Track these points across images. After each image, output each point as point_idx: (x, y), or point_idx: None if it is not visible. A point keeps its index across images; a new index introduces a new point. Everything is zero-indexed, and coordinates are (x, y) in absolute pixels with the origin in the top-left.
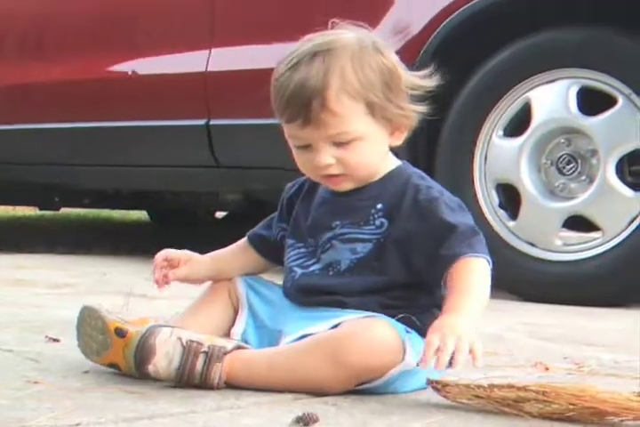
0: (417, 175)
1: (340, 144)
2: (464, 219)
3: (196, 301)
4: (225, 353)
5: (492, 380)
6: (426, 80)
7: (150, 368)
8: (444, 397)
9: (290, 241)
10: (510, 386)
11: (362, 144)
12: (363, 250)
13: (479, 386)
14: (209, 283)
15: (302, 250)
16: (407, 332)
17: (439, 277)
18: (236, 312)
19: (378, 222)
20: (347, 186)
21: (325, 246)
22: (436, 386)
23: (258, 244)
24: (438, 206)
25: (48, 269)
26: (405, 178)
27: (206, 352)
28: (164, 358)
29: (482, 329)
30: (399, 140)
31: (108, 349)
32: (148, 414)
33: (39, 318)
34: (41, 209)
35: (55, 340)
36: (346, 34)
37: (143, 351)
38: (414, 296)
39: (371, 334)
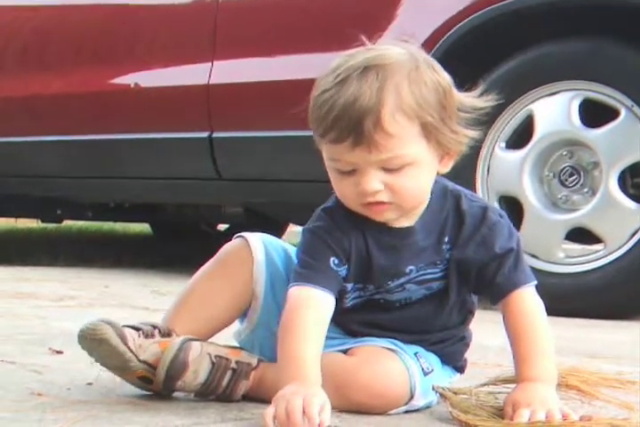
0: (463, 194)
1: (389, 169)
2: (516, 240)
3: (187, 296)
4: (252, 370)
5: (496, 393)
6: (479, 101)
7: (179, 384)
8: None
9: (349, 286)
10: None
11: (413, 170)
12: (438, 286)
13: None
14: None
15: (360, 293)
16: (425, 373)
17: (491, 302)
18: (247, 296)
19: (447, 255)
20: (390, 216)
21: (395, 290)
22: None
23: (332, 287)
24: (498, 233)
25: (51, 282)
26: (454, 199)
27: (234, 369)
28: (192, 374)
29: (485, 342)
30: (447, 167)
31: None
32: (153, 426)
33: (42, 331)
34: (43, 222)
35: (59, 352)
36: (395, 49)
37: (176, 368)
38: (462, 323)
39: (380, 373)
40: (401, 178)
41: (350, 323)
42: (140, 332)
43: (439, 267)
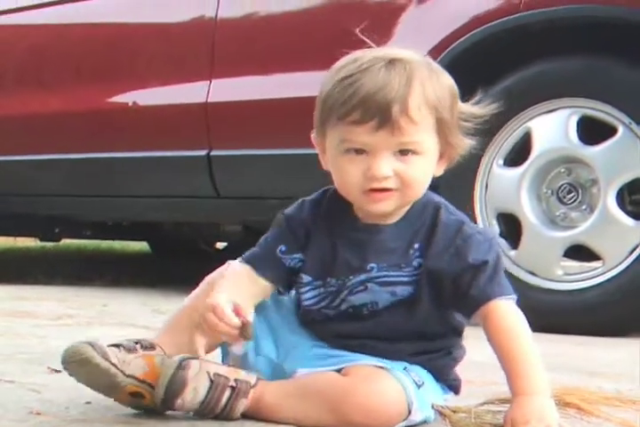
0: (444, 207)
1: (401, 156)
2: (493, 253)
3: (177, 315)
4: (251, 388)
5: (494, 410)
6: (477, 108)
7: (178, 402)
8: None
9: (306, 278)
10: None
11: (421, 160)
12: (403, 293)
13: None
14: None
15: (321, 290)
16: (418, 386)
17: (469, 315)
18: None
19: (416, 263)
20: (388, 206)
21: (356, 289)
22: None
23: (268, 273)
24: (472, 245)
25: (49, 301)
26: (433, 210)
27: (233, 387)
28: (191, 392)
29: (482, 359)
30: (440, 169)
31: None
32: None
33: (41, 350)
34: (42, 240)
35: (57, 371)
36: (407, 50)
37: (176, 385)
38: (441, 336)
39: (376, 393)
40: (410, 166)
41: (326, 336)
42: (121, 347)
43: (404, 271)
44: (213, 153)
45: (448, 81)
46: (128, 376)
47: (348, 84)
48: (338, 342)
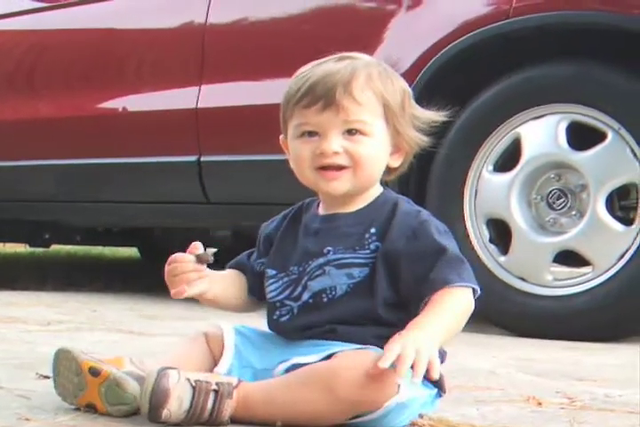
0: (403, 200)
1: (350, 136)
2: (452, 244)
3: (172, 352)
4: (234, 388)
5: (485, 415)
6: (432, 114)
7: (164, 413)
8: None
9: (271, 271)
10: None
11: (370, 141)
12: (360, 274)
13: None
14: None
15: (285, 279)
16: None
17: (422, 299)
18: (215, 360)
19: (373, 246)
20: (341, 185)
21: (315, 273)
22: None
23: (248, 274)
24: (429, 228)
25: (39, 307)
26: (393, 202)
27: (216, 390)
28: (176, 401)
29: (474, 364)
30: (397, 161)
31: (83, 389)
32: None
33: (30, 355)
34: (31, 246)
35: (46, 377)
36: (365, 56)
37: (159, 395)
38: (404, 323)
39: (365, 365)
40: (358, 144)
41: (293, 333)
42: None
43: (359, 253)
44: (203, 159)
45: (400, 82)
46: (86, 354)
47: (300, 77)
48: (304, 334)
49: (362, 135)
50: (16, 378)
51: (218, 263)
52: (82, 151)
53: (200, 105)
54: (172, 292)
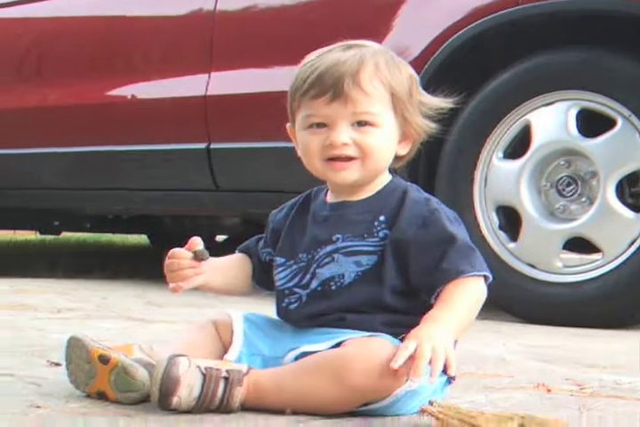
0: (413, 187)
1: (358, 127)
2: (462, 232)
3: (181, 340)
4: (244, 376)
5: (494, 401)
6: (440, 100)
7: (175, 400)
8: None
9: (280, 259)
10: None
11: (378, 132)
12: (368, 262)
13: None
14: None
15: (294, 267)
16: None
17: (435, 289)
18: (225, 347)
19: (382, 234)
20: (350, 176)
21: (324, 260)
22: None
23: (253, 256)
24: (439, 216)
25: (49, 294)
26: (402, 190)
27: (226, 378)
28: (186, 389)
29: (483, 351)
30: (404, 149)
31: (94, 377)
32: None
33: (41, 343)
34: (41, 233)
35: (57, 364)
36: (372, 44)
37: (169, 383)
38: (413, 310)
39: (374, 354)
40: (367, 136)
41: (302, 321)
42: None
43: (368, 241)
44: (213, 146)
45: (406, 69)
46: (95, 342)
47: (308, 66)
48: (313, 322)
49: (370, 126)
50: (27, 365)
51: (230, 250)
52: (91, 139)
53: (209, 92)
54: (170, 286)
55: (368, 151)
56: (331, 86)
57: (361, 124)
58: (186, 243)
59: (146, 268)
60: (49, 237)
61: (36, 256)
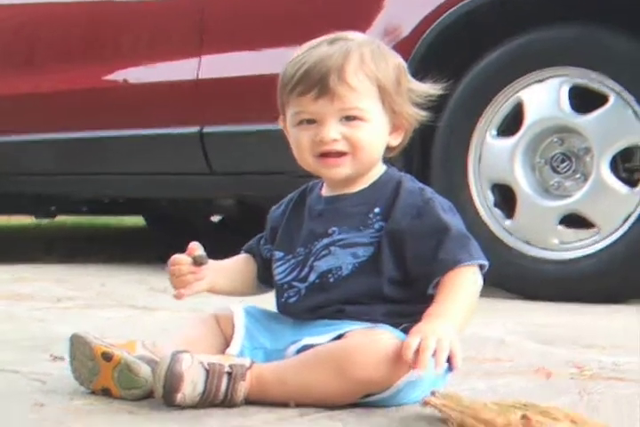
0: (407, 178)
1: (347, 122)
2: (457, 221)
3: (183, 334)
4: (247, 370)
5: (495, 388)
6: (430, 87)
7: (179, 397)
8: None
9: (278, 254)
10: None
11: (367, 126)
12: (365, 253)
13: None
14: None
15: (292, 261)
16: None
17: (433, 280)
18: (226, 341)
19: (377, 226)
20: (343, 170)
21: (321, 253)
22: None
23: (256, 255)
24: (433, 206)
25: (47, 282)
26: (396, 181)
27: (229, 372)
28: (190, 385)
29: (483, 333)
30: (396, 140)
31: (97, 374)
32: None
33: (43, 335)
34: (37, 218)
35: (60, 358)
36: (359, 34)
37: (173, 379)
38: (412, 300)
39: (376, 345)
40: (357, 130)
41: (301, 314)
42: None
43: (364, 233)
44: (205, 129)
45: (393, 58)
46: (98, 339)
47: (295, 62)
48: (313, 314)
49: (359, 121)
50: (30, 360)
51: (226, 230)
52: (84, 124)
53: (201, 76)
54: (173, 293)
55: (358, 145)
56: (316, 83)
57: (349, 118)
58: (186, 244)
59: (143, 249)
60: (44, 221)
61: (32, 241)
